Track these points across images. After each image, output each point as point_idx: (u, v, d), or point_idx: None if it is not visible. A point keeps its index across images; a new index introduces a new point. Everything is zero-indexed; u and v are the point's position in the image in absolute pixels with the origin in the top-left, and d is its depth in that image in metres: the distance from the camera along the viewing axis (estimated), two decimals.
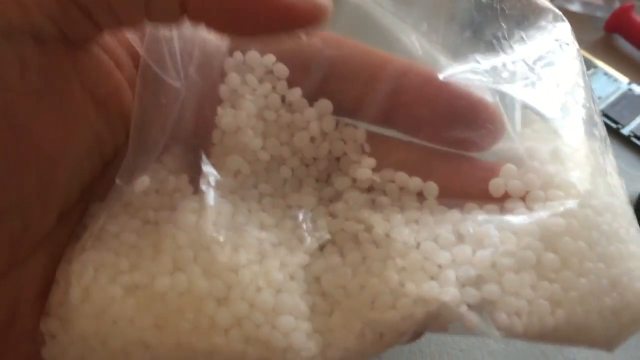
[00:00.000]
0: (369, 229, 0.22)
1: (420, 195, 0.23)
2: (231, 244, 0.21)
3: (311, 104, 0.24)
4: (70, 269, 0.21)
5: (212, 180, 0.22)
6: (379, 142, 0.24)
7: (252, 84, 0.24)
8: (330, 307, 0.21)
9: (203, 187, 0.21)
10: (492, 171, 0.22)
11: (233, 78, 0.23)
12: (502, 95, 0.23)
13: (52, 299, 0.21)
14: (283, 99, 0.24)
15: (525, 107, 0.23)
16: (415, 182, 0.23)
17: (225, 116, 0.23)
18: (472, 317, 0.19)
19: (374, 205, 0.23)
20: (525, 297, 0.19)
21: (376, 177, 0.23)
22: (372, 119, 0.24)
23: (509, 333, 0.19)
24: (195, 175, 0.22)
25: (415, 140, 0.24)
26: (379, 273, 0.20)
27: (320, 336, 0.20)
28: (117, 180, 0.21)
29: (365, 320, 0.20)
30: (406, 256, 0.21)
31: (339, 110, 0.24)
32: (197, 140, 0.23)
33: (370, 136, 0.24)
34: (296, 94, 0.24)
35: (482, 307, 0.19)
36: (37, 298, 0.21)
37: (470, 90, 0.22)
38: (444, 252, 0.21)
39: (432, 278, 0.20)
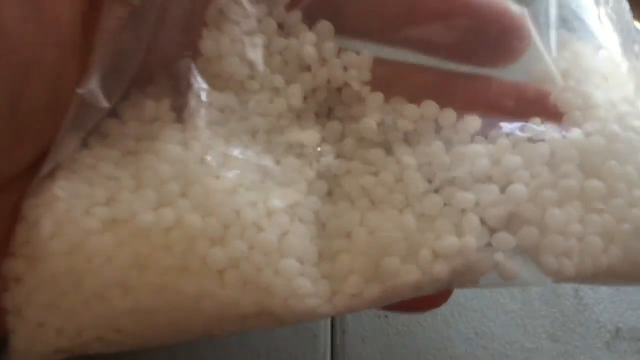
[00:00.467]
0: (377, 172, 0.20)
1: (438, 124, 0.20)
2: (228, 177, 0.18)
3: (310, 27, 0.21)
4: (39, 200, 0.18)
5: (203, 95, 0.19)
6: (387, 66, 0.21)
7: (245, 4, 0.20)
8: (338, 252, 0.19)
9: (192, 103, 0.19)
10: (520, 91, 0.20)
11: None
12: (535, 10, 0.20)
13: (18, 237, 0.18)
14: (280, 26, 0.21)
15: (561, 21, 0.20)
16: (430, 110, 0.20)
17: (207, 40, 0.20)
18: (511, 265, 0.16)
19: (385, 140, 0.21)
20: (574, 234, 0.17)
21: (385, 118, 0.20)
22: (379, 38, 0.21)
23: (559, 277, 0.16)
24: (183, 100, 0.20)
25: (429, 61, 0.21)
26: (393, 218, 0.18)
27: (327, 282, 0.18)
28: (78, 90, 0.18)
29: (378, 273, 0.18)
30: (423, 201, 0.18)
31: (341, 29, 0.21)
32: (185, 64, 0.20)
33: (377, 61, 0.21)
34: (295, 17, 0.21)
35: (524, 251, 0.16)
36: (4, 238, 0.18)
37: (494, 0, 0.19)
38: (467, 194, 0.18)
39: (455, 226, 0.18)
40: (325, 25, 0.21)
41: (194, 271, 0.18)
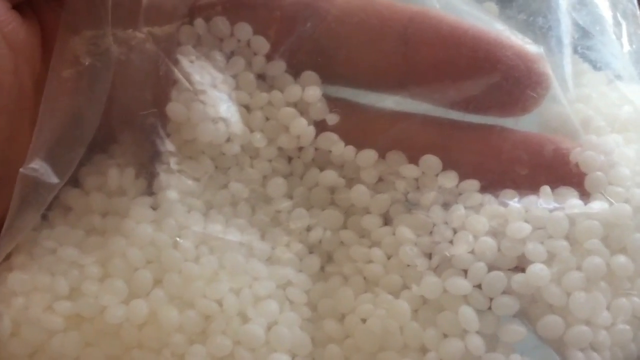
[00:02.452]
0: (372, 246, 0.19)
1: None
2: (207, 261, 0.17)
3: (295, 77, 0.19)
4: None
5: (173, 162, 0.18)
6: (377, 117, 0.20)
7: (218, 61, 0.19)
8: (330, 342, 0.18)
9: (161, 172, 0.18)
10: (537, 149, 0.18)
11: (188, 54, 0.19)
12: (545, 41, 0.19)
13: None
14: (261, 76, 0.20)
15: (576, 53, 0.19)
16: (432, 166, 0.18)
17: (175, 103, 0.18)
18: None
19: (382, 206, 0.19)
20: (602, 325, 0.15)
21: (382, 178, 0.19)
22: (374, 87, 0.19)
23: None
24: (152, 167, 0.19)
25: (429, 110, 0.19)
26: (387, 304, 0.17)
27: None
28: (22, 170, 0.17)
29: None
30: (421, 284, 0.17)
31: (331, 77, 0.20)
32: (152, 120, 0.18)
33: (363, 110, 0.20)
34: (278, 68, 0.19)
35: (546, 342, 0.15)
36: None
37: (504, 36, 0.18)
38: (464, 282, 0.17)
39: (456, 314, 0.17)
40: (310, 77, 0.19)
41: None
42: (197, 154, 0.19)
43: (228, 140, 0.19)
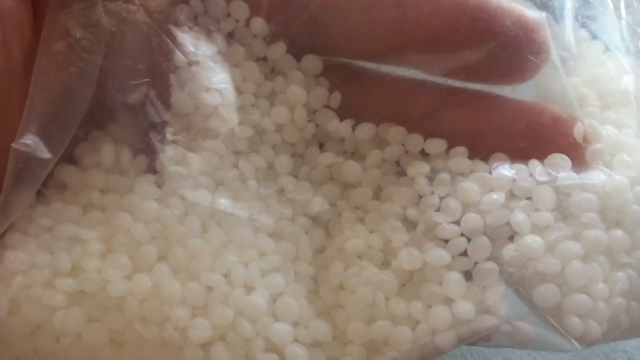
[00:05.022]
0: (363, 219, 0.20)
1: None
2: (215, 235, 0.18)
3: (296, 56, 0.20)
4: None
5: (169, 133, 0.18)
6: (375, 83, 0.20)
7: (217, 45, 0.19)
8: (332, 310, 0.19)
9: (164, 147, 0.18)
10: (534, 113, 0.19)
11: (181, 25, 0.19)
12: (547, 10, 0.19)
13: None
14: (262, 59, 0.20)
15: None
16: (415, 141, 0.20)
17: (179, 99, 0.19)
18: (523, 328, 0.16)
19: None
20: (599, 296, 0.16)
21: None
22: (371, 58, 0.20)
23: (586, 341, 0.16)
24: (151, 143, 0.19)
25: (426, 77, 0.20)
26: (373, 277, 0.18)
27: (323, 350, 0.18)
28: (14, 145, 0.17)
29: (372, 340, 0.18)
30: (399, 256, 0.18)
31: (329, 49, 0.20)
32: (146, 90, 0.19)
33: (361, 76, 0.20)
34: (278, 50, 0.20)
35: (544, 311, 0.16)
36: None
37: (504, 4, 0.18)
38: (442, 252, 0.18)
39: (439, 284, 0.18)
40: (311, 61, 0.20)
41: (175, 346, 0.17)
42: (199, 129, 0.19)
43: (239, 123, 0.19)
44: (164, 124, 0.19)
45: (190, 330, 0.17)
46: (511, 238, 0.18)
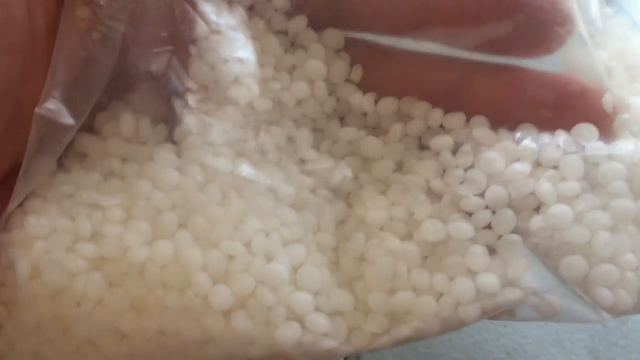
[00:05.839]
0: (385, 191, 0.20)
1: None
2: (235, 204, 0.18)
3: (315, 27, 0.20)
4: (12, 238, 0.18)
5: (191, 99, 0.18)
6: (397, 58, 0.20)
7: (238, 16, 0.20)
8: (353, 281, 0.19)
9: (177, 107, 0.18)
10: (561, 85, 0.19)
11: (206, 9, 0.19)
12: None
13: None
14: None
15: None
16: (438, 115, 0.20)
17: (198, 70, 0.19)
18: (550, 300, 0.16)
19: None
20: (627, 267, 0.16)
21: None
22: (393, 32, 0.20)
23: (616, 311, 0.16)
24: (172, 113, 0.19)
25: (449, 52, 0.20)
26: (395, 248, 0.18)
27: (344, 320, 0.18)
28: (37, 110, 0.17)
29: (394, 310, 0.18)
30: (422, 228, 0.18)
31: (350, 23, 0.20)
32: (169, 57, 0.19)
33: (383, 50, 0.20)
34: (299, 24, 0.20)
35: (572, 283, 0.17)
36: None
37: None
38: (466, 225, 0.18)
39: (463, 257, 0.18)
40: (333, 35, 0.20)
41: (195, 313, 0.17)
42: (220, 99, 0.19)
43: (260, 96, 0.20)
44: (186, 92, 0.19)
45: (211, 297, 0.17)
46: (537, 209, 0.18)
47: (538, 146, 0.18)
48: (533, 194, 0.18)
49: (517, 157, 0.18)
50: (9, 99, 0.17)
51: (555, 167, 0.18)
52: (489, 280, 0.17)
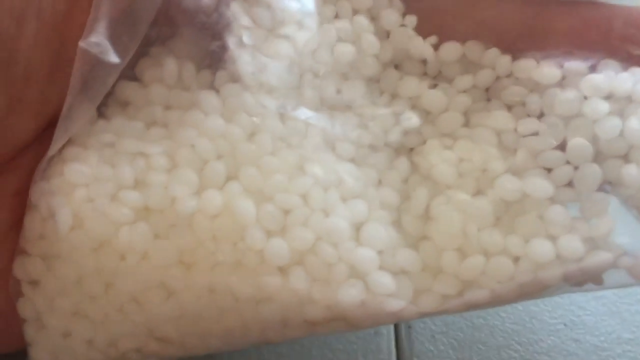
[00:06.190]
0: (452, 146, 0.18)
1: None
2: (290, 153, 0.17)
3: None
4: (52, 186, 0.17)
5: (246, 36, 0.17)
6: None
7: None
8: (421, 241, 0.17)
9: (231, 44, 0.17)
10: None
11: None
12: None
13: (29, 231, 0.17)
14: None
15: None
16: (504, 61, 0.18)
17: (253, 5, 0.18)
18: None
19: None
20: None
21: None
22: None
23: None
24: (216, 59, 0.18)
25: None
26: (465, 206, 0.17)
27: (411, 280, 0.17)
28: (81, 43, 0.16)
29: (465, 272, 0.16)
30: (496, 185, 0.17)
31: None
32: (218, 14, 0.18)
33: None
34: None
35: None
36: (9, 230, 0.17)
37: None
38: (545, 183, 0.16)
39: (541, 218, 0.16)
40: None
41: (249, 268, 0.16)
42: (276, 36, 0.18)
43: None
44: (239, 28, 0.17)
45: (267, 252, 0.16)
46: (626, 157, 0.16)
47: (623, 81, 0.17)
48: (622, 136, 0.16)
49: (600, 94, 0.17)
50: (54, 36, 0.16)
51: None
52: (572, 244, 0.16)
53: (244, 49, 0.17)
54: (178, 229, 0.16)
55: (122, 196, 0.17)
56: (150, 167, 0.17)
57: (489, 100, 0.19)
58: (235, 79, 0.18)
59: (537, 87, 0.18)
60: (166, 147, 0.17)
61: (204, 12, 0.17)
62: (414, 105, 0.19)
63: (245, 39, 0.17)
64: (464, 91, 0.19)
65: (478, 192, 0.17)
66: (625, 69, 0.17)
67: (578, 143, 0.17)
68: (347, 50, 0.18)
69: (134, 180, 0.17)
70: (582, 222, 0.16)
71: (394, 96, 0.19)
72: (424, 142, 0.19)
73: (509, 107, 0.18)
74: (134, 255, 0.16)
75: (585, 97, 0.17)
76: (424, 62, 0.19)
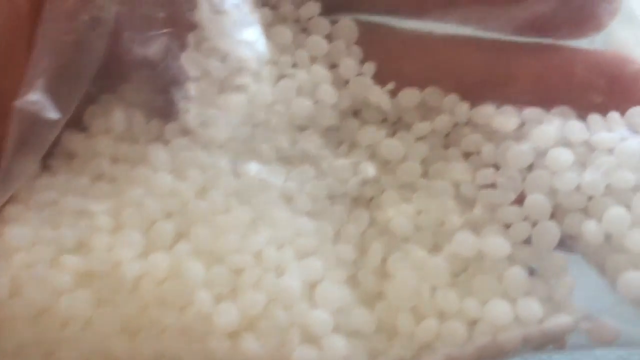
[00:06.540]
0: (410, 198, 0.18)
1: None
2: (242, 212, 0.16)
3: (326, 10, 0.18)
4: None
5: (193, 89, 0.16)
6: (420, 41, 0.18)
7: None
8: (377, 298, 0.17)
9: (177, 97, 0.17)
10: (615, 66, 0.17)
11: None
12: None
13: None
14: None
15: None
16: (463, 107, 0.18)
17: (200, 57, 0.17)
18: (606, 325, 0.15)
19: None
20: None
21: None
22: (411, 9, 0.18)
23: None
24: (168, 108, 0.18)
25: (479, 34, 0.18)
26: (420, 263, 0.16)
27: (365, 342, 0.16)
28: (17, 103, 0.16)
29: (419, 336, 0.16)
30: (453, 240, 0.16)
31: (363, 2, 0.18)
32: (167, 42, 0.17)
33: (403, 34, 0.19)
34: (313, 10, 0.18)
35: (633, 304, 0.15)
36: None
37: None
38: (501, 240, 0.16)
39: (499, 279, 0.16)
40: (347, 26, 0.18)
41: (197, 335, 0.16)
42: (225, 87, 0.17)
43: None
44: (186, 81, 0.17)
45: (216, 317, 0.15)
46: (586, 210, 0.16)
47: (578, 130, 0.16)
48: (580, 189, 0.16)
49: (554, 144, 0.17)
50: None
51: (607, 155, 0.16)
52: (531, 306, 0.15)
53: (192, 102, 0.17)
54: (122, 294, 0.16)
55: (63, 261, 0.16)
56: (94, 228, 0.16)
57: (447, 147, 0.19)
58: (186, 132, 0.17)
59: (494, 135, 0.18)
60: (111, 205, 0.17)
61: (149, 64, 0.17)
62: (373, 153, 0.19)
63: (193, 92, 0.17)
64: (422, 138, 0.19)
65: (435, 247, 0.17)
66: (585, 117, 0.17)
67: (535, 199, 0.16)
68: (304, 105, 0.18)
69: (76, 242, 0.16)
70: (541, 282, 0.16)
71: (353, 145, 0.19)
72: (383, 192, 0.18)
73: (467, 155, 0.18)
74: (76, 324, 0.16)
75: (542, 148, 0.17)
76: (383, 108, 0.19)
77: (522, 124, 0.17)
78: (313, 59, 0.18)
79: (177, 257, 0.16)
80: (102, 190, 0.17)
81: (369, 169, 0.18)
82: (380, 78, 0.18)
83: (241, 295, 0.16)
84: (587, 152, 0.17)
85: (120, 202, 0.16)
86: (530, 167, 0.17)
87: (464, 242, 0.16)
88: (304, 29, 0.19)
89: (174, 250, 0.16)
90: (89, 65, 0.16)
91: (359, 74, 0.19)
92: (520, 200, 0.17)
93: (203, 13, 0.17)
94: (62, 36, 0.16)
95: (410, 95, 0.19)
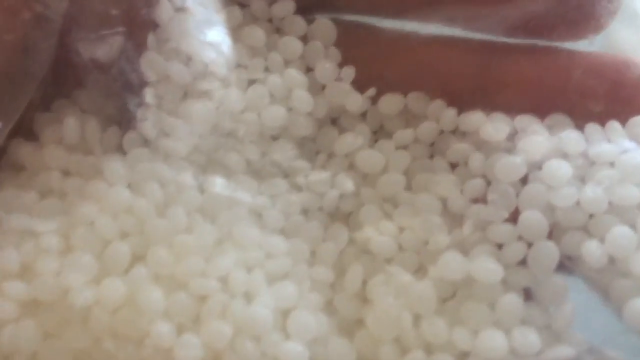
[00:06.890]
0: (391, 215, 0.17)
1: None
2: (205, 229, 0.15)
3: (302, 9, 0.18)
4: None
5: (150, 95, 0.16)
6: (404, 42, 0.18)
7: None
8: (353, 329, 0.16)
9: (131, 104, 0.16)
10: (615, 70, 0.16)
11: None
12: None
13: None
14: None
15: None
16: (450, 114, 0.17)
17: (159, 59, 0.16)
18: (612, 358, 0.14)
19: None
20: None
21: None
22: (396, 9, 0.18)
23: None
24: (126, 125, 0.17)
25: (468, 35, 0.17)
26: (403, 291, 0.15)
27: None
28: None
29: None
30: (439, 263, 0.15)
31: (342, 3, 0.18)
32: (120, 41, 0.16)
33: (385, 34, 0.18)
34: (287, 9, 0.18)
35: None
36: None
37: None
38: (493, 265, 0.15)
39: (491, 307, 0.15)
40: (324, 26, 0.18)
41: None
42: (186, 92, 0.16)
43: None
44: (143, 84, 0.16)
45: (177, 350, 0.14)
46: (586, 229, 0.15)
47: (575, 142, 0.16)
48: (579, 205, 0.15)
49: (549, 156, 0.16)
50: None
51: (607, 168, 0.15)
52: (527, 336, 0.14)
53: (150, 109, 0.16)
54: (72, 325, 0.15)
55: (6, 288, 0.15)
56: (40, 250, 0.15)
57: (432, 157, 0.18)
58: (146, 142, 0.16)
59: (484, 145, 0.17)
60: (60, 224, 0.15)
61: (102, 67, 0.16)
62: (352, 164, 0.18)
63: (149, 98, 0.16)
64: (404, 147, 0.17)
65: (420, 270, 0.16)
66: (582, 126, 0.16)
67: (530, 216, 0.15)
68: (277, 113, 0.17)
69: (21, 266, 0.15)
70: (539, 309, 0.15)
71: (331, 156, 0.18)
72: (363, 206, 0.17)
73: (454, 166, 0.17)
74: (21, 358, 0.15)
75: (537, 160, 0.15)
76: (364, 115, 0.18)
77: (513, 133, 0.16)
78: (287, 62, 0.17)
79: (134, 283, 0.15)
80: (51, 207, 0.16)
81: (347, 184, 0.17)
82: (360, 83, 0.18)
83: (205, 326, 0.15)
84: (585, 165, 0.16)
85: (70, 220, 0.15)
86: (524, 181, 0.16)
87: (452, 264, 0.15)
88: (277, 29, 0.18)
89: (130, 275, 0.15)
90: (35, 68, 0.15)
91: (337, 79, 0.18)
92: (514, 217, 0.15)
93: (163, 11, 0.16)
94: (3, 36, 0.15)
95: (392, 101, 0.18)
